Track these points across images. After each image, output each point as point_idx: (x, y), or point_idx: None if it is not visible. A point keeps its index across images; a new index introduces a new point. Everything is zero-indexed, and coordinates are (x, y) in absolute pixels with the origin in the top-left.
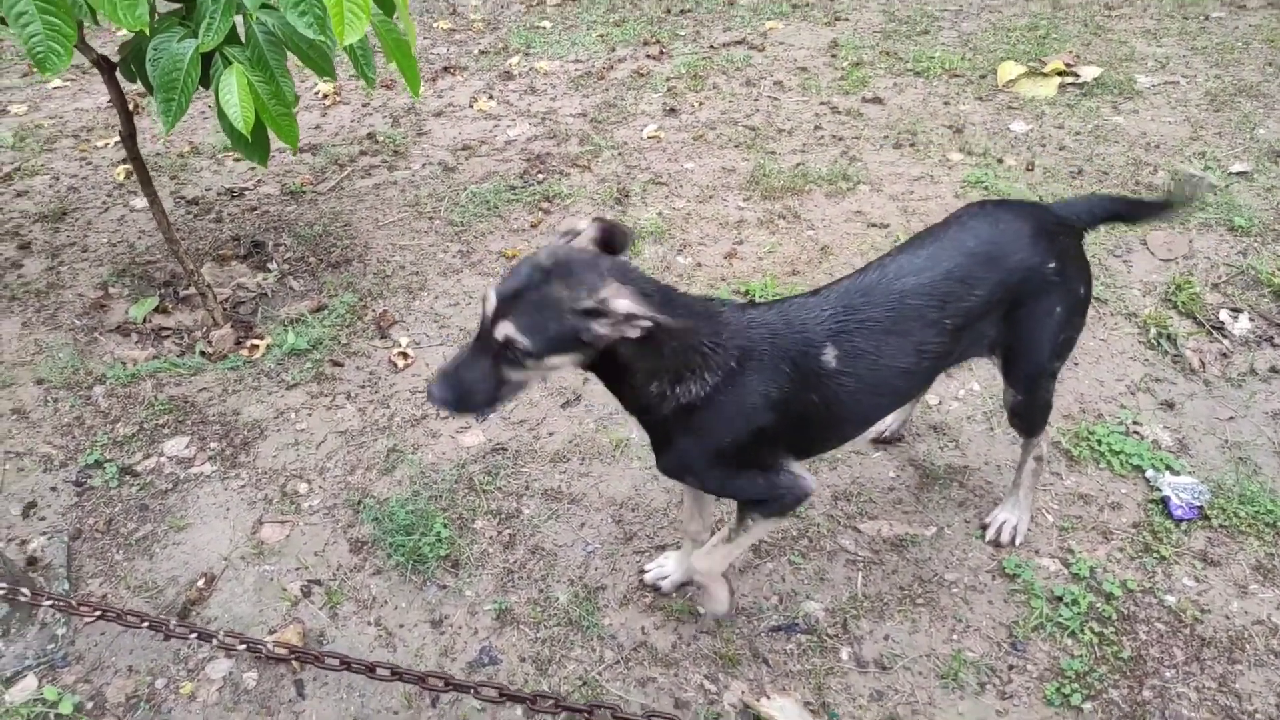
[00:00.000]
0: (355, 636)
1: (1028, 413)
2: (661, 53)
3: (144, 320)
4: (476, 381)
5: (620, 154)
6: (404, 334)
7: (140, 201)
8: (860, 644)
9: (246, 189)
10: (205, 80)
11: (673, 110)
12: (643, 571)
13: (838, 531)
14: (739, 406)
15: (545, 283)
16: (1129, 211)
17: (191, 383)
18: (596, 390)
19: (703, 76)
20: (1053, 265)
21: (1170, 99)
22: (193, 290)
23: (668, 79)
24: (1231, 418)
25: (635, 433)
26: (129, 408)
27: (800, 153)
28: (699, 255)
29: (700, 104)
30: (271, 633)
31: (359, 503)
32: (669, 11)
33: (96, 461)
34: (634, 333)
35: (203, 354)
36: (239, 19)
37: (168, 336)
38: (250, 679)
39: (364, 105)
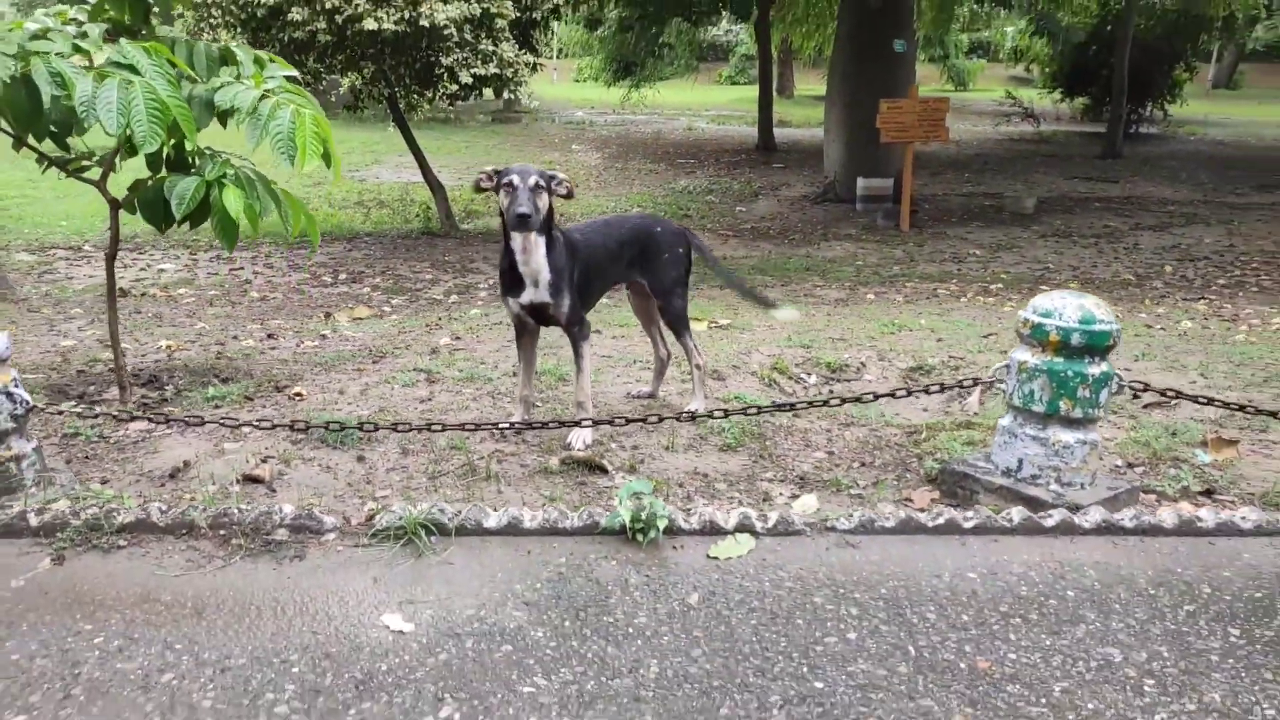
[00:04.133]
0: (304, 476)
1: (671, 314)
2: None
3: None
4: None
5: None
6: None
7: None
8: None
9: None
10: (187, 219)
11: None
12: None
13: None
14: (564, 253)
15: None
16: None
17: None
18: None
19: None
20: (658, 230)
21: None
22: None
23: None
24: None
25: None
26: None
27: None
28: None
29: None
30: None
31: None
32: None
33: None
34: (563, 191)
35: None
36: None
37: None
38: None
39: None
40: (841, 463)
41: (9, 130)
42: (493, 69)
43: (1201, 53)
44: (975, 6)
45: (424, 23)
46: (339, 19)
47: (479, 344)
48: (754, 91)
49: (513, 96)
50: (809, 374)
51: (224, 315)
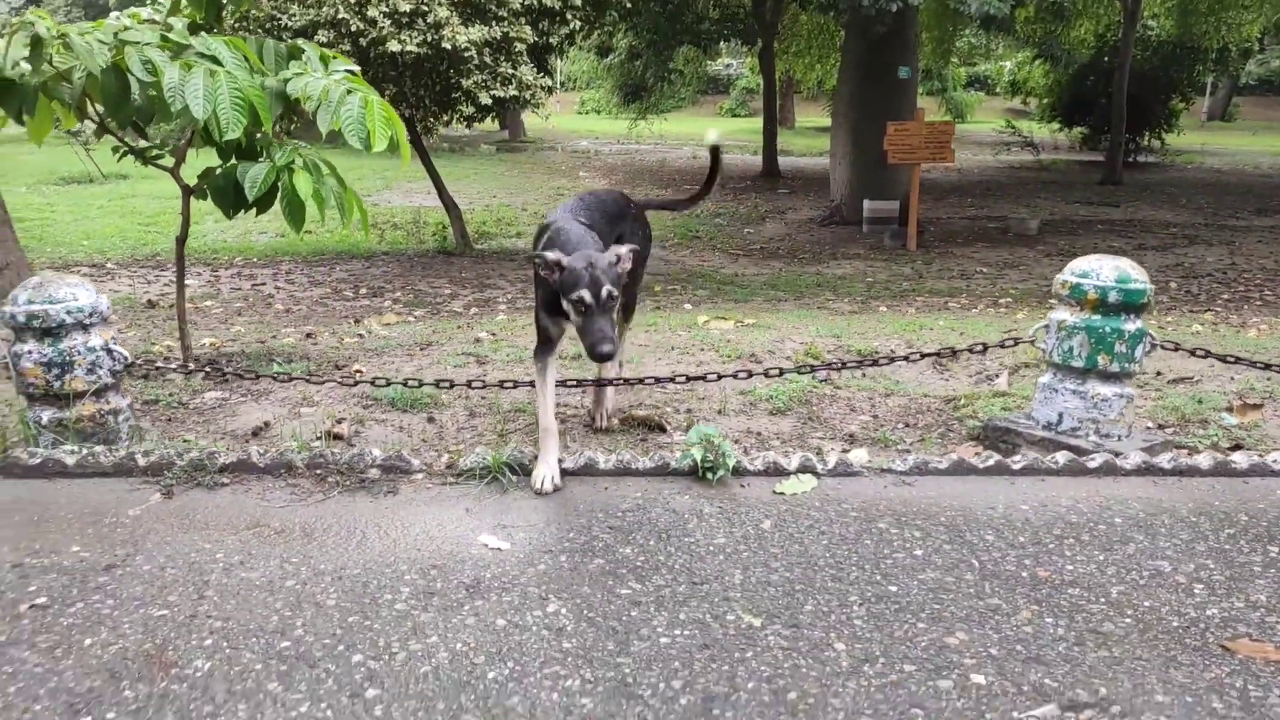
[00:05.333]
0: (379, 435)
1: (631, 296)
2: None
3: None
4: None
5: None
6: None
7: None
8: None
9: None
10: (255, 205)
11: None
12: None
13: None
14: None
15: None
16: (669, 207)
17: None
18: None
19: None
20: (631, 206)
21: None
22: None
23: None
24: None
25: None
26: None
27: None
28: None
29: None
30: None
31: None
32: None
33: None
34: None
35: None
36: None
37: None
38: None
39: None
40: (886, 424)
41: (95, 118)
42: (512, 91)
43: (1196, 85)
44: (973, 41)
45: (446, 45)
46: (363, 42)
47: (517, 338)
48: (755, 123)
49: (536, 111)
50: (841, 360)
51: (255, 322)
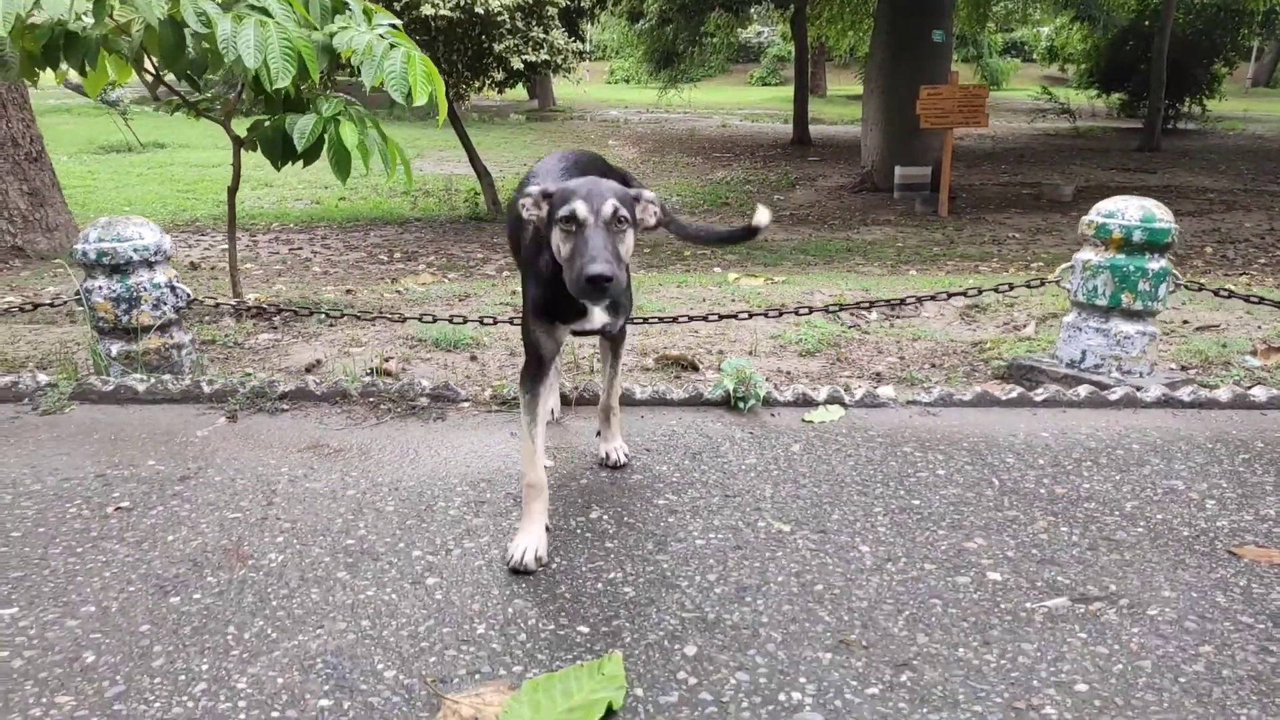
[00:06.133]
0: (425, 371)
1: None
2: None
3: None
4: (614, 252)
5: None
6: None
7: None
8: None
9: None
10: (301, 156)
11: None
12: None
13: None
14: None
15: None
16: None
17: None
18: None
19: None
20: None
21: None
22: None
23: None
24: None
25: None
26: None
27: None
28: None
29: None
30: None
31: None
32: None
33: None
34: (651, 220)
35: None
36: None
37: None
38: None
39: None
40: (912, 365)
41: (152, 70)
42: (543, 55)
43: (1241, 49)
44: (1009, 4)
45: (479, 9)
46: (397, 5)
47: None
48: (786, 92)
49: (568, 77)
50: (869, 310)
51: (295, 282)
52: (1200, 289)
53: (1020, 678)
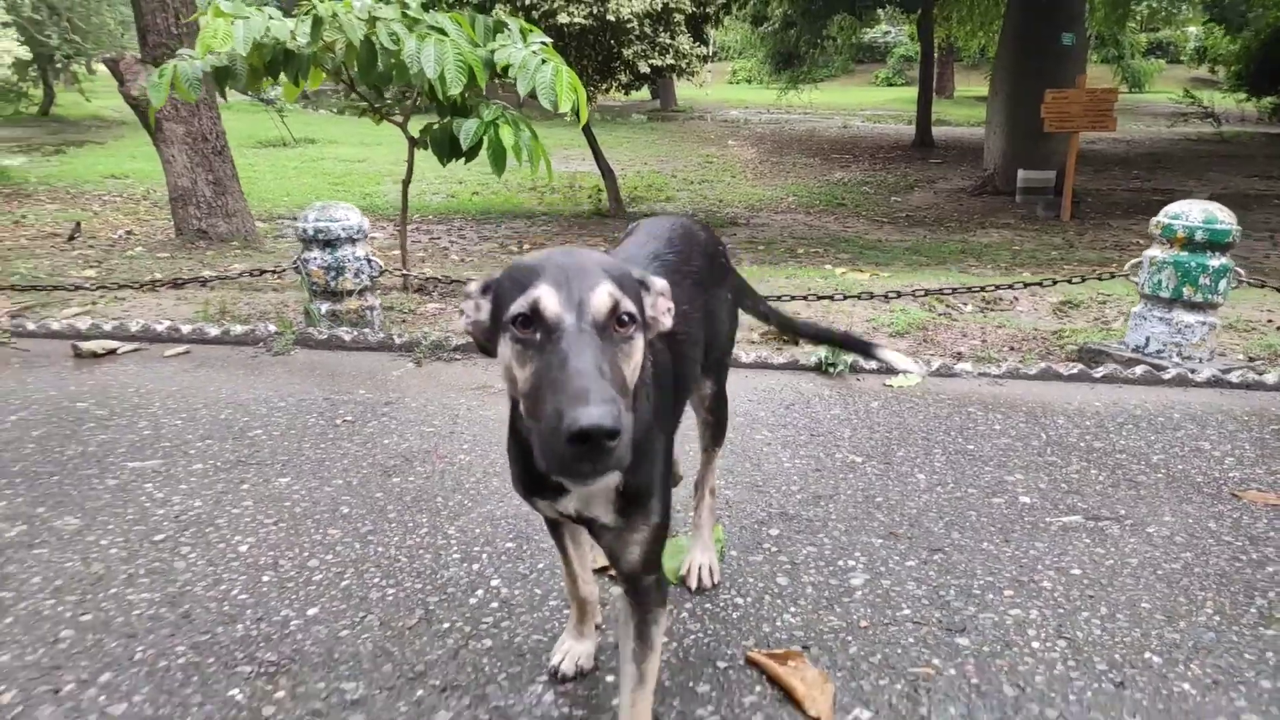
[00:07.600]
0: None
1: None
2: None
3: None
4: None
5: None
6: None
7: None
8: None
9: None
10: (465, 154)
11: None
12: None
13: None
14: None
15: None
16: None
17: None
18: None
19: None
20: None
21: None
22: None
23: None
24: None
25: None
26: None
27: None
28: None
29: None
30: None
31: None
32: None
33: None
34: (666, 321)
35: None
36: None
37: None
38: None
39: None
40: (993, 347)
41: (347, 81)
42: (669, 59)
43: None
44: (1154, 4)
45: (610, 17)
46: (535, 14)
47: None
48: (911, 92)
49: (692, 80)
50: (965, 303)
51: (436, 267)
52: (1263, 285)
53: (1029, 564)
